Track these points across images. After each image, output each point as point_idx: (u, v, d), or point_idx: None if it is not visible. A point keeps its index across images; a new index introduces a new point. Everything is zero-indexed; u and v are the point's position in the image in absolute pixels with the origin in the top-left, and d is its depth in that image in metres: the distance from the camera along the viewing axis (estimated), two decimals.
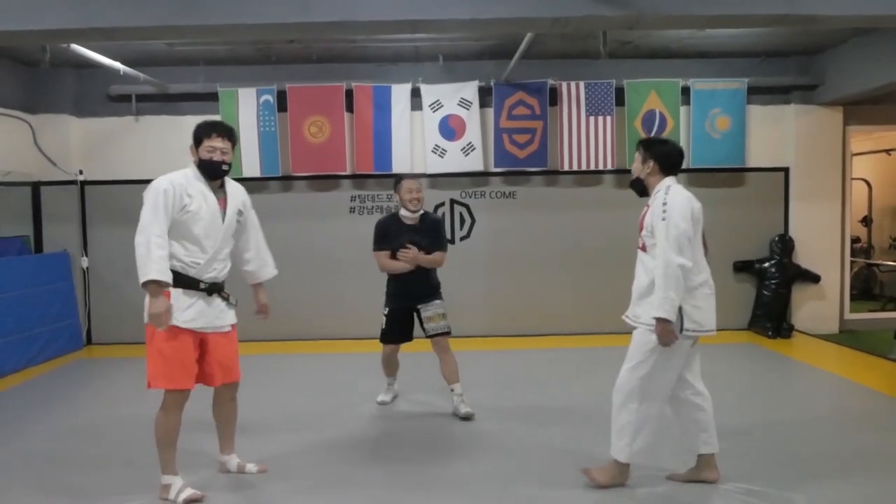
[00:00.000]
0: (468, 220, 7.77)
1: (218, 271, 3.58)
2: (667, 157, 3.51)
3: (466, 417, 4.76)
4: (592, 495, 3.50)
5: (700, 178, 7.54)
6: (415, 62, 7.58)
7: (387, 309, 5.04)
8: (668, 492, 3.53)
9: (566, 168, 7.60)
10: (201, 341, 3.54)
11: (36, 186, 7.57)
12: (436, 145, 7.53)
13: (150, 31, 4.33)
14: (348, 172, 7.60)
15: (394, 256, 4.86)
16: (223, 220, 3.56)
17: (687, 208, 3.33)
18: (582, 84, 7.48)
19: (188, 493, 3.45)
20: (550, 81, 7.51)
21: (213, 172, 3.56)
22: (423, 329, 4.95)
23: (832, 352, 7.04)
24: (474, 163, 7.53)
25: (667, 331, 3.25)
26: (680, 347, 3.35)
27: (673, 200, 3.32)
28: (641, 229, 3.49)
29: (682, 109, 7.60)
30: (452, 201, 7.75)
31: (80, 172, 7.59)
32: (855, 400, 5.26)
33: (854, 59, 7.04)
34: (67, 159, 7.55)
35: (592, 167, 7.59)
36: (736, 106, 7.62)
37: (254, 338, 7.30)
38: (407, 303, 4.97)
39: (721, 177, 7.63)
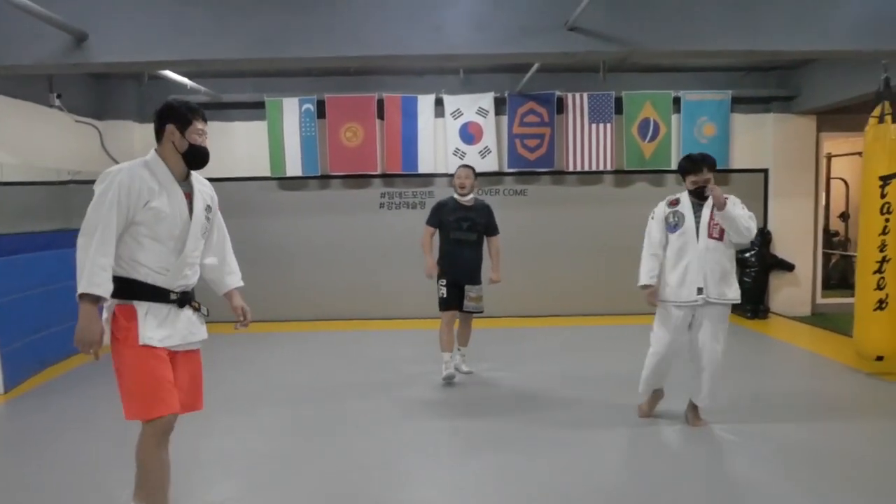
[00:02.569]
0: None
1: (188, 278, 3.04)
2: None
3: (468, 373, 5.94)
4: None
5: None
6: (438, 75, 8.52)
7: (443, 281, 5.69)
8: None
9: (571, 169, 8.56)
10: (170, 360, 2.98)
11: None
12: (456, 148, 8.49)
13: (234, 62, 5.31)
14: (379, 172, 8.56)
15: (446, 231, 5.67)
16: (191, 216, 3.01)
17: None
18: (585, 95, 8.44)
19: None
20: (557, 93, 8.46)
21: (202, 160, 3.06)
22: (462, 304, 5.72)
23: (804, 331, 8.01)
24: (490, 164, 8.47)
25: None
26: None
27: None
28: (714, 220, 4.34)
29: (674, 118, 8.58)
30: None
31: None
32: (819, 368, 6.26)
33: (826, 74, 7.95)
34: (131, 160, 8.51)
35: (594, 168, 8.56)
36: (721, 115, 8.59)
37: (299, 318, 8.36)
38: (459, 279, 5.69)
39: None
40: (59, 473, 4.01)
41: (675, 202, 4.51)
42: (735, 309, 4.63)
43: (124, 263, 2.88)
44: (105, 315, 2.92)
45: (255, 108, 8.45)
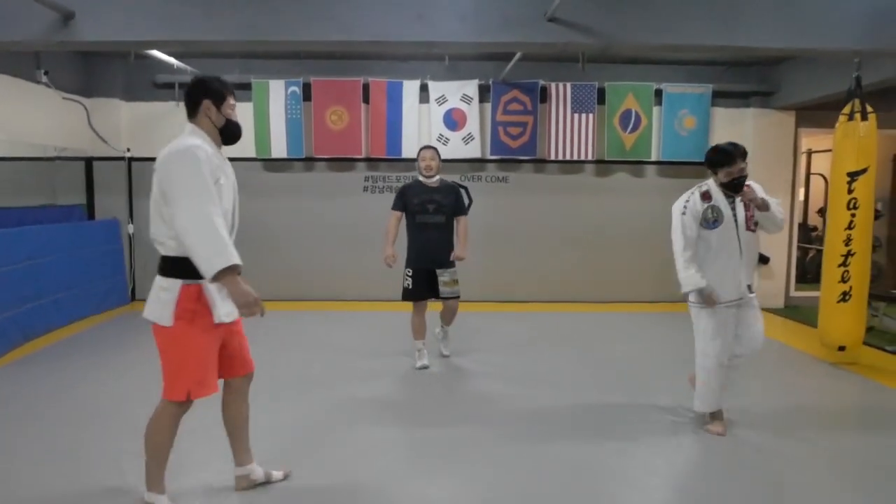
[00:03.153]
0: (467, 200, 9.02)
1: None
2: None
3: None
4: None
5: (668, 169, 8.73)
6: (424, 61, 8.62)
7: (410, 270, 5.62)
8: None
9: (553, 157, 8.69)
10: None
11: (89, 161, 8.60)
12: (440, 134, 8.60)
13: (220, 44, 5.39)
14: (363, 156, 8.67)
15: (412, 215, 5.59)
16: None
17: None
18: (569, 85, 8.56)
19: None
20: (541, 82, 8.58)
21: (237, 135, 3.11)
22: (438, 291, 5.64)
23: (775, 322, 8.19)
24: (473, 151, 8.60)
25: None
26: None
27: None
28: (751, 212, 4.14)
29: (655, 110, 8.72)
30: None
31: (128, 150, 8.64)
32: (786, 358, 6.43)
33: (805, 71, 8.11)
34: (117, 138, 8.57)
35: (576, 157, 8.69)
36: (702, 108, 8.74)
37: (281, 297, 8.47)
38: (427, 266, 5.59)
39: (687, 169, 8.68)
40: (39, 440, 4.13)
41: (708, 196, 4.15)
42: None
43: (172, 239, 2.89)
44: (166, 297, 2.91)
45: (241, 90, 8.48)
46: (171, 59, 7.64)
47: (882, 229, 10.93)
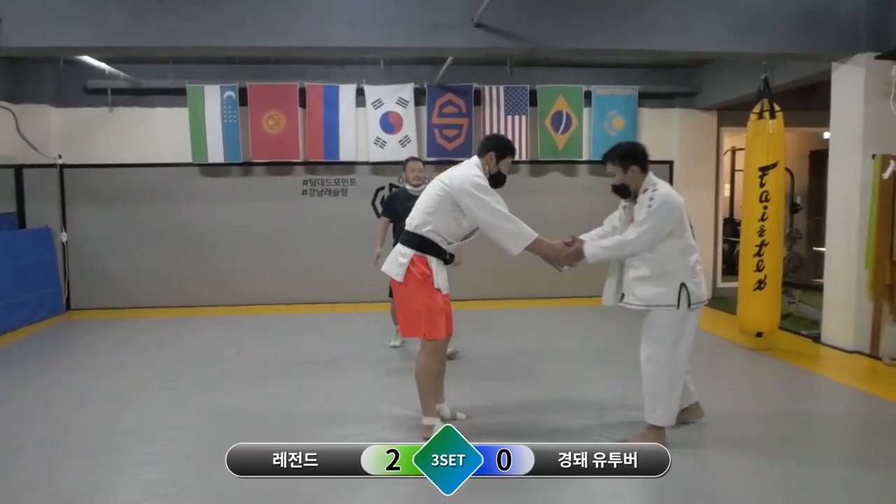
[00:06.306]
0: None
1: (453, 248, 4.07)
2: (644, 158, 3.91)
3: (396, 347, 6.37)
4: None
5: (599, 169, 9.03)
6: (359, 65, 8.73)
7: None
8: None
9: None
10: None
11: (19, 169, 8.44)
12: (377, 137, 8.73)
13: (152, 50, 5.44)
14: (301, 160, 8.73)
15: (397, 220, 5.87)
16: None
17: (667, 205, 3.74)
18: (502, 88, 8.80)
19: None
20: (475, 85, 8.80)
21: (501, 184, 4.06)
22: None
23: (704, 312, 8.49)
24: (410, 152, 8.64)
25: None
26: (693, 319, 3.88)
27: (658, 198, 3.76)
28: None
29: (585, 111, 9.04)
30: (391, 185, 8.97)
31: (59, 157, 8.49)
32: (710, 345, 6.72)
33: (724, 72, 8.52)
34: (48, 145, 8.42)
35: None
36: (629, 109, 9.11)
37: (221, 302, 8.47)
38: None
39: None
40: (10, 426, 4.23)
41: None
42: None
43: (433, 229, 3.91)
44: (402, 261, 3.91)
45: (176, 95, 8.48)
46: (103, 65, 7.58)
47: (802, 222, 11.55)
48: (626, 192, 3.98)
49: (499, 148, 4.05)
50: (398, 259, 3.97)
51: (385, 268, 4.06)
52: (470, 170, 3.95)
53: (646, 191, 3.84)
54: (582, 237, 4.17)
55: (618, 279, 4.06)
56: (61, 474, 3.69)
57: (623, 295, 3.99)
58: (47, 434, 4.28)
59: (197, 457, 3.90)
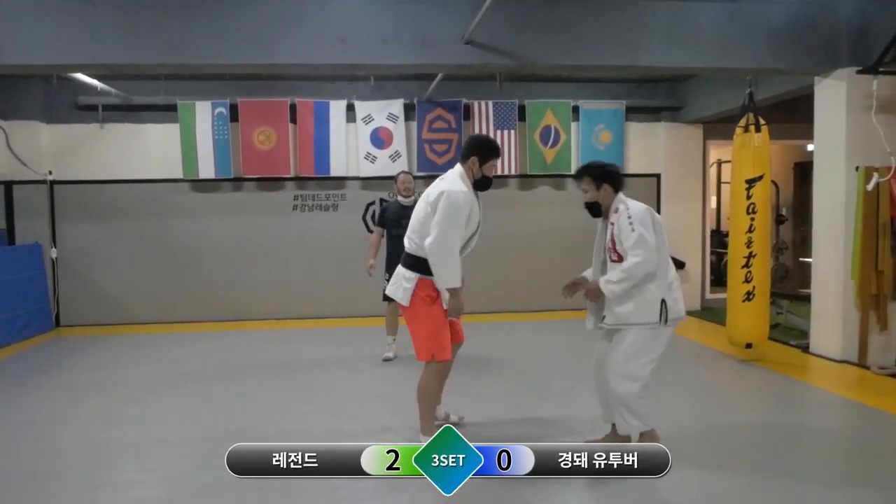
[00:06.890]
0: None
1: None
2: (619, 178, 3.89)
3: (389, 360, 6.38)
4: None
5: None
6: (350, 81, 8.80)
7: (387, 275, 5.82)
8: None
9: None
10: None
11: (9, 185, 8.41)
12: (368, 153, 8.78)
13: (144, 67, 5.48)
14: (292, 175, 8.77)
15: (389, 230, 6.18)
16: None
17: (647, 217, 3.73)
18: (490, 103, 8.88)
19: None
20: (464, 100, 8.88)
21: (486, 188, 4.04)
22: None
23: (692, 323, 8.61)
24: (400, 167, 8.67)
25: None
26: (666, 334, 3.82)
27: (635, 212, 3.72)
28: (613, 245, 3.77)
29: (573, 125, 9.14)
30: (381, 200, 8.98)
31: (50, 173, 8.48)
32: (700, 356, 6.85)
33: (709, 86, 8.64)
34: (38, 161, 8.41)
35: (499, 172, 8.88)
36: (617, 123, 9.21)
37: (211, 318, 8.47)
38: None
39: None
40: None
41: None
42: None
43: None
44: (407, 285, 3.92)
45: (167, 111, 8.50)
46: (95, 82, 7.60)
47: (788, 233, 11.67)
48: (597, 210, 3.93)
49: (481, 150, 3.93)
50: (402, 283, 3.96)
51: (390, 291, 4.09)
52: (456, 184, 3.84)
53: (616, 210, 3.79)
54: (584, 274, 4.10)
55: (597, 303, 3.94)
56: (54, 491, 3.68)
57: (604, 317, 3.88)
58: (38, 451, 4.27)
59: (190, 472, 3.90)
